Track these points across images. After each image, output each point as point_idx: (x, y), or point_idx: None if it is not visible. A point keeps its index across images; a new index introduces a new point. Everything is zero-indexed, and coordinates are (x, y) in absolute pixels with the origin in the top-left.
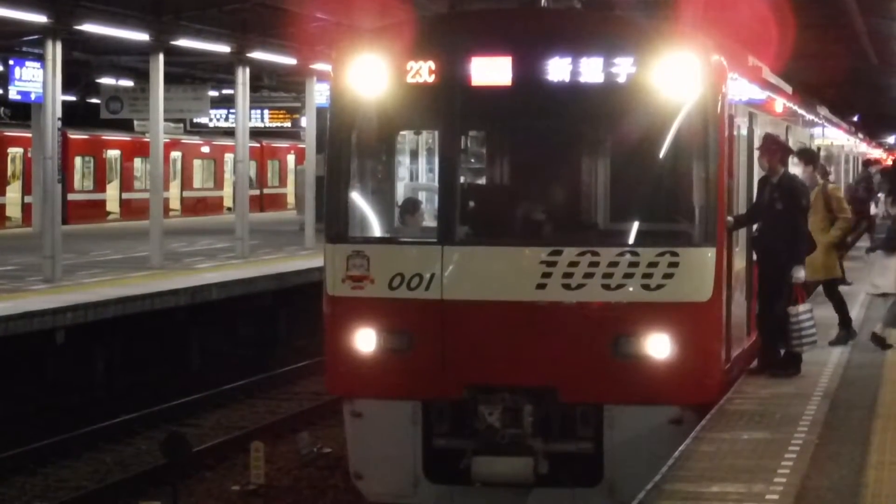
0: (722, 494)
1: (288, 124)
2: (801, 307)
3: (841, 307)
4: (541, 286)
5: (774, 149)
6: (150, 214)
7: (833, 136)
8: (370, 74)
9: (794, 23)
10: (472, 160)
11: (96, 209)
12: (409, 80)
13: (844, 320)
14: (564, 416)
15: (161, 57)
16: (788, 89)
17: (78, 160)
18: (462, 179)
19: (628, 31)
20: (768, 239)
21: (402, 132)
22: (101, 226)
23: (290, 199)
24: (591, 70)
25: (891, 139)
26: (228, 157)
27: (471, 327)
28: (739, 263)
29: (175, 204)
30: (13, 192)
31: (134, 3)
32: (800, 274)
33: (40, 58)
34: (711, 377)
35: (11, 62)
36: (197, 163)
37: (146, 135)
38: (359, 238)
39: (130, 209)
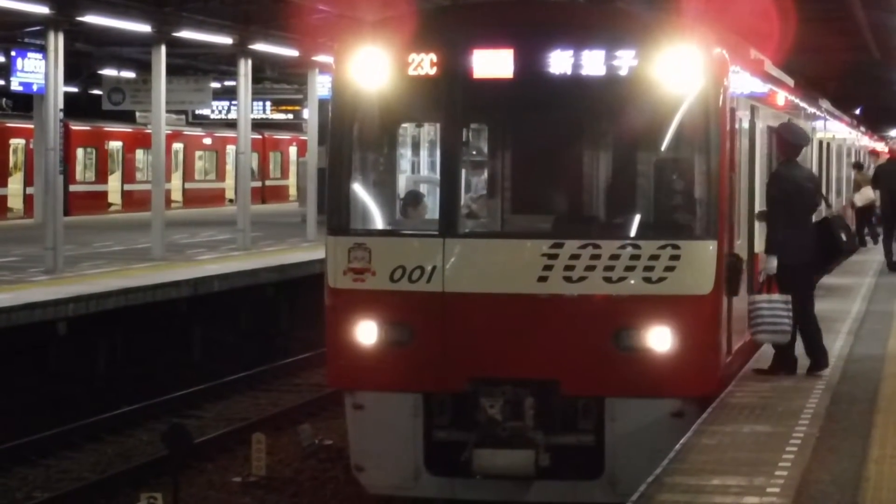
0: (723, 487)
1: (290, 116)
2: (759, 296)
3: None
4: (542, 279)
5: (779, 139)
6: (151, 206)
7: (835, 130)
8: (372, 67)
9: (797, 16)
10: (474, 153)
11: (98, 200)
12: (411, 72)
13: None
14: (566, 409)
15: (163, 48)
16: (790, 82)
17: (80, 151)
18: (464, 172)
19: (630, 24)
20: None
21: (403, 124)
22: (103, 217)
23: (292, 191)
24: (593, 63)
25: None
26: (230, 148)
27: (472, 320)
28: (741, 256)
29: (177, 195)
30: (15, 184)
31: None
32: (769, 264)
33: (42, 49)
34: (713, 370)
35: (13, 53)
36: (199, 154)
37: (148, 126)
38: (360, 230)
39: (132, 200)
